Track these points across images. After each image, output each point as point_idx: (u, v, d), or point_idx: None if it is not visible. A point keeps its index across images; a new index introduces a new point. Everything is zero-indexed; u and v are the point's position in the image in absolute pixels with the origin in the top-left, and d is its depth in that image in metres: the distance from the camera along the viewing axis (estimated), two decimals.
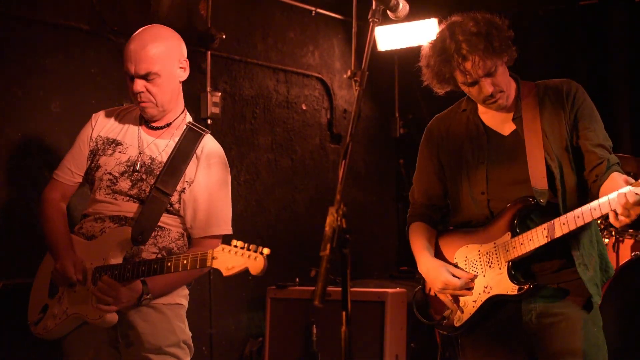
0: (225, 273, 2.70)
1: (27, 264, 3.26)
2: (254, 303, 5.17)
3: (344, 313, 1.94)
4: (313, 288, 1.99)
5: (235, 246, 2.70)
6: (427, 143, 2.96)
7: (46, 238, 3.09)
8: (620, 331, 4.05)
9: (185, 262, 2.78)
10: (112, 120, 3.16)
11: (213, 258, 2.72)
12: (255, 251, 2.68)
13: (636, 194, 2.36)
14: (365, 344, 4.33)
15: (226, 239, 3.09)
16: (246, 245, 2.69)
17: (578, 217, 2.51)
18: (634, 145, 5.37)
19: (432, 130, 2.95)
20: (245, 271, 2.68)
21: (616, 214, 2.41)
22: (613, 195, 2.42)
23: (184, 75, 3.08)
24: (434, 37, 2.68)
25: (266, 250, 2.67)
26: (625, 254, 4.38)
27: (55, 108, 4.07)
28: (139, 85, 2.96)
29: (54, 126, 4.05)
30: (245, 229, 5.17)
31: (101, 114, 3.20)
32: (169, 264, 2.81)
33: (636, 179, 4.18)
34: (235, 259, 2.68)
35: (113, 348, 3.00)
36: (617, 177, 2.60)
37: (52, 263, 3.04)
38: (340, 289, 1.95)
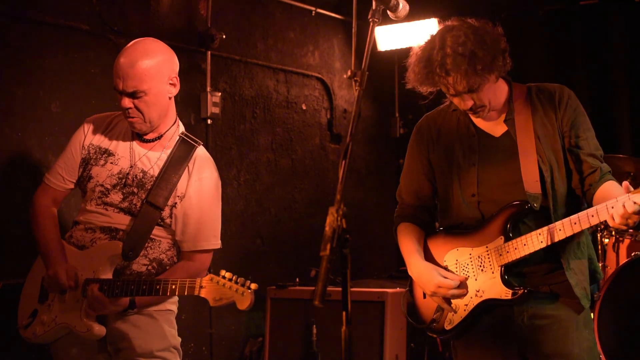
0: (212, 304, 2.74)
1: (27, 264, 3.26)
2: (254, 303, 5.16)
3: (344, 313, 1.94)
4: (313, 288, 2.00)
5: (224, 277, 2.72)
6: (417, 142, 2.92)
7: (38, 244, 3.09)
8: (619, 331, 4.05)
9: (174, 287, 2.81)
10: (104, 128, 3.13)
11: (201, 287, 2.75)
12: (243, 285, 2.70)
13: (634, 202, 2.35)
14: (365, 344, 4.33)
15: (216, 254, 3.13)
16: (234, 277, 2.72)
17: (575, 223, 2.51)
18: (634, 145, 5.37)
19: (422, 129, 2.92)
20: (233, 304, 2.72)
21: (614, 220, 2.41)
22: (611, 202, 2.41)
23: (174, 91, 3.04)
24: (427, 39, 2.65)
25: (253, 286, 2.70)
26: (625, 254, 4.38)
27: (55, 108, 4.07)
28: (126, 101, 2.94)
29: (54, 126, 4.05)
30: (245, 229, 5.17)
31: (93, 120, 3.17)
32: (158, 287, 2.83)
33: (635, 179, 4.19)
34: (223, 291, 2.72)
35: (104, 352, 3.01)
36: (611, 185, 2.60)
37: (43, 267, 3.04)
38: (340, 289, 1.95)
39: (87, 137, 3.12)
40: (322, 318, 4.41)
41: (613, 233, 4.44)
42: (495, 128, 2.77)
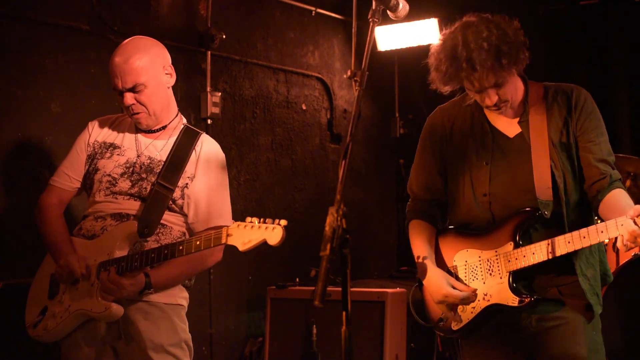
0: (241, 248, 2.67)
1: (27, 264, 3.26)
2: (254, 303, 5.17)
3: (344, 313, 1.94)
4: (313, 288, 2.00)
5: (251, 222, 2.67)
6: (430, 136, 2.90)
7: (45, 240, 3.09)
8: (620, 331, 4.05)
9: (198, 242, 2.76)
10: (108, 126, 3.19)
11: (228, 235, 2.69)
12: (273, 223, 2.64)
13: None
14: (365, 344, 4.32)
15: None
16: (262, 219, 2.66)
17: (584, 237, 2.49)
18: (634, 145, 5.37)
19: (435, 122, 2.89)
20: (263, 243, 2.64)
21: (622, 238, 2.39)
22: (621, 219, 2.39)
23: (171, 80, 3.11)
24: (446, 37, 2.61)
25: (283, 222, 2.62)
26: (625, 254, 4.38)
27: (55, 108, 4.07)
28: (129, 98, 2.99)
29: (54, 126, 4.05)
30: None
31: (98, 121, 3.23)
32: (181, 247, 2.80)
33: (635, 179, 4.20)
34: (252, 232, 2.65)
35: (111, 348, 3.01)
36: (619, 193, 2.58)
37: (51, 266, 3.05)
38: (340, 289, 1.95)
39: (92, 135, 3.17)
40: (322, 318, 4.40)
41: None
42: (510, 128, 2.75)
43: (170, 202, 3.02)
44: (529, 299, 2.62)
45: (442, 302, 2.74)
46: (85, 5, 4.25)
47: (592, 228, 2.48)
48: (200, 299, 4.78)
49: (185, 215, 3.07)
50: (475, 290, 2.71)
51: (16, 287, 3.43)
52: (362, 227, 6.12)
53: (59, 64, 4.10)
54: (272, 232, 2.63)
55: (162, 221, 3.02)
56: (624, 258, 4.36)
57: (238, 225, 2.69)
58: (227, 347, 5.07)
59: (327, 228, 1.92)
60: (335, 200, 1.96)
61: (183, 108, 3.22)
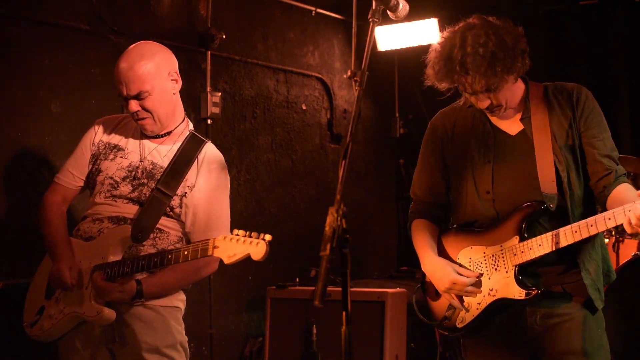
0: (226, 261, 2.70)
1: (27, 264, 3.26)
2: (254, 303, 5.17)
3: (344, 313, 1.94)
4: (313, 288, 2.00)
5: (237, 235, 2.70)
6: (431, 139, 2.93)
7: (45, 240, 3.11)
8: (621, 331, 4.05)
9: (186, 252, 2.79)
10: (114, 127, 3.19)
11: (215, 247, 2.72)
12: (257, 238, 2.68)
13: None
14: (365, 344, 4.32)
15: None
16: (248, 233, 2.70)
17: (591, 225, 2.49)
18: (634, 145, 5.37)
19: (437, 125, 2.92)
20: (247, 258, 2.68)
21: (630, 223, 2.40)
22: (629, 205, 2.40)
23: (177, 86, 3.10)
24: (447, 37, 2.65)
25: (268, 237, 2.66)
26: (625, 253, 4.38)
27: (55, 108, 4.07)
28: (134, 105, 2.99)
29: (54, 126, 4.05)
30: (245, 229, 5.15)
31: (104, 120, 3.23)
32: (170, 256, 2.82)
33: (636, 179, 4.19)
34: (237, 246, 2.68)
35: (107, 350, 3.01)
36: (626, 187, 2.59)
37: (50, 265, 3.06)
38: (340, 289, 1.96)
39: (97, 135, 3.17)
40: (322, 318, 4.40)
41: (613, 233, 4.43)
42: (511, 126, 2.77)
43: (168, 209, 3.02)
44: (535, 291, 2.62)
45: (448, 290, 2.75)
46: (85, 5, 4.25)
47: (599, 216, 2.48)
48: (200, 299, 4.78)
49: (182, 223, 3.08)
50: (481, 274, 2.72)
51: (16, 287, 3.43)
52: (362, 227, 6.12)
53: (59, 64, 4.10)
54: (256, 247, 2.67)
55: (159, 226, 3.02)
56: (624, 258, 4.36)
57: (224, 238, 2.72)
58: (227, 347, 5.07)
59: (327, 228, 1.93)
60: (335, 200, 1.96)
61: (183, 108, 3.22)
